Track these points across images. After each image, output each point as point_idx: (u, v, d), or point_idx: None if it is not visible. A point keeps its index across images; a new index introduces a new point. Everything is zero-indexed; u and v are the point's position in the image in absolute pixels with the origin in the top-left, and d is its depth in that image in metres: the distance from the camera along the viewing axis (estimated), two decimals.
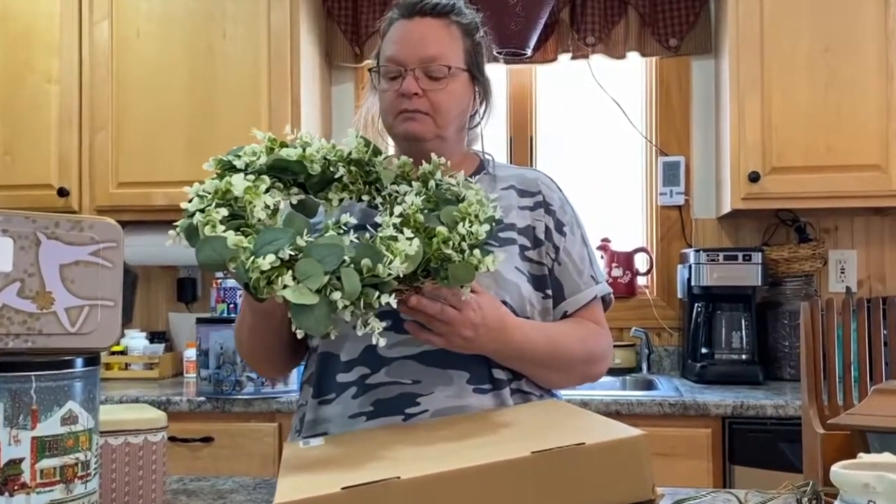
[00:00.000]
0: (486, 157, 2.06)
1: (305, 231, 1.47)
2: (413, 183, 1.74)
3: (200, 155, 3.79)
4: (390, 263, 1.46)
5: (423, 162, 1.78)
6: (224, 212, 1.46)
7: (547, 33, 4.09)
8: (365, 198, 1.77)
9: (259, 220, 1.49)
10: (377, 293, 1.46)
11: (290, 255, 1.42)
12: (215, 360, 3.37)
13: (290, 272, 1.40)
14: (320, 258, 1.43)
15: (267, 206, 1.52)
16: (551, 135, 4.33)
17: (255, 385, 3.34)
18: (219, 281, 3.86)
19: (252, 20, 3.83)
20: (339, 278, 1.42)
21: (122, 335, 4.02)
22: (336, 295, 1.41)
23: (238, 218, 1.49)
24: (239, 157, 1.65)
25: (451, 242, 1.54)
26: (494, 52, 3.93)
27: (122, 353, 4.00)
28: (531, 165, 4.16)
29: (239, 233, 1.46)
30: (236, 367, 3.34)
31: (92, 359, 1.39)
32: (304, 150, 1.68)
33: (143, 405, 1.75)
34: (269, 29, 3.82)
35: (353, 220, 1.66)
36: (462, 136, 2.02)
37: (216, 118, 3.83)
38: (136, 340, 4.05)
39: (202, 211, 1.48)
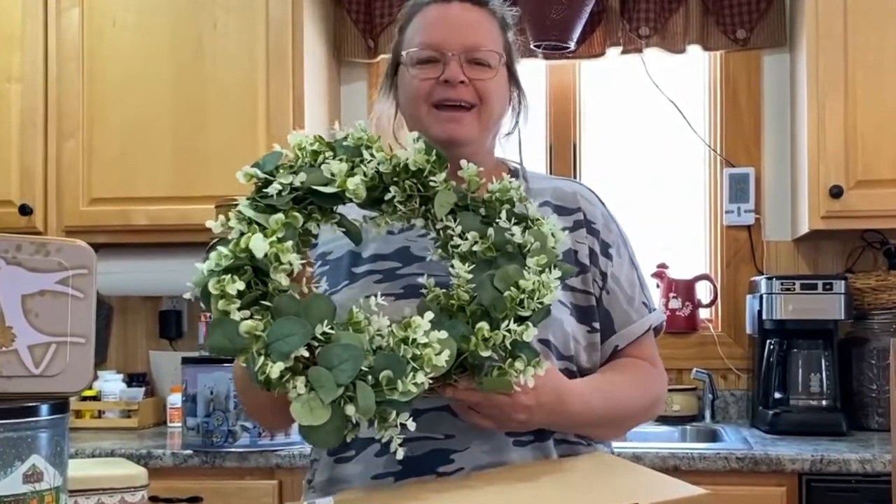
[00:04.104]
0: (516, 166, 2.07)
1: (325, 322, 1.48)
2: (472, 212, 1.71)
3: (187, 166, 3.82)
4: (414, 378, 1.47)
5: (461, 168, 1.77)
6: (241, 285, 1.46)
7: (593, 23, 4.09)
8: (418, 222, 1.75)
9: (278, 288, 1.50)
10: (394, 412, 1.48)
11: (305, 357, 1.45)
12: (204, 406, 3.37)
13: (303, 377, 1.43)
14: (335, 365, 1.44)
15: (290, 272, 1.52)
16: (598, 142, 4.34)
17: (251, 436, 3.33)
18: (207, 315, 3.85)
19: (247, 8, 3.84)
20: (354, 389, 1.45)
21: (95, 377, 4.02)
22: (350, 409, 1.44)
23: (259, 273, 1.50)
24: (274, 175, 1.63)
25: (492, 341, 1.55)
26: (531, 46, 3.93)
27: (95, 398, 4.01)
28: (574, 177, 4.15)
29: (256, 308, 1.47)
30: (228, 414, 3.33)
31: (59, 405, 1.39)
32: (352, 167, 1.65)
33: (119, 460, 1.75)
34: (267, 18, 3.82)
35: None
36: (494, 144, 2.04)
37: (206, 123, 3.84)
38: (112, 384, 4.06)
39: (217, 273, 1.49)
